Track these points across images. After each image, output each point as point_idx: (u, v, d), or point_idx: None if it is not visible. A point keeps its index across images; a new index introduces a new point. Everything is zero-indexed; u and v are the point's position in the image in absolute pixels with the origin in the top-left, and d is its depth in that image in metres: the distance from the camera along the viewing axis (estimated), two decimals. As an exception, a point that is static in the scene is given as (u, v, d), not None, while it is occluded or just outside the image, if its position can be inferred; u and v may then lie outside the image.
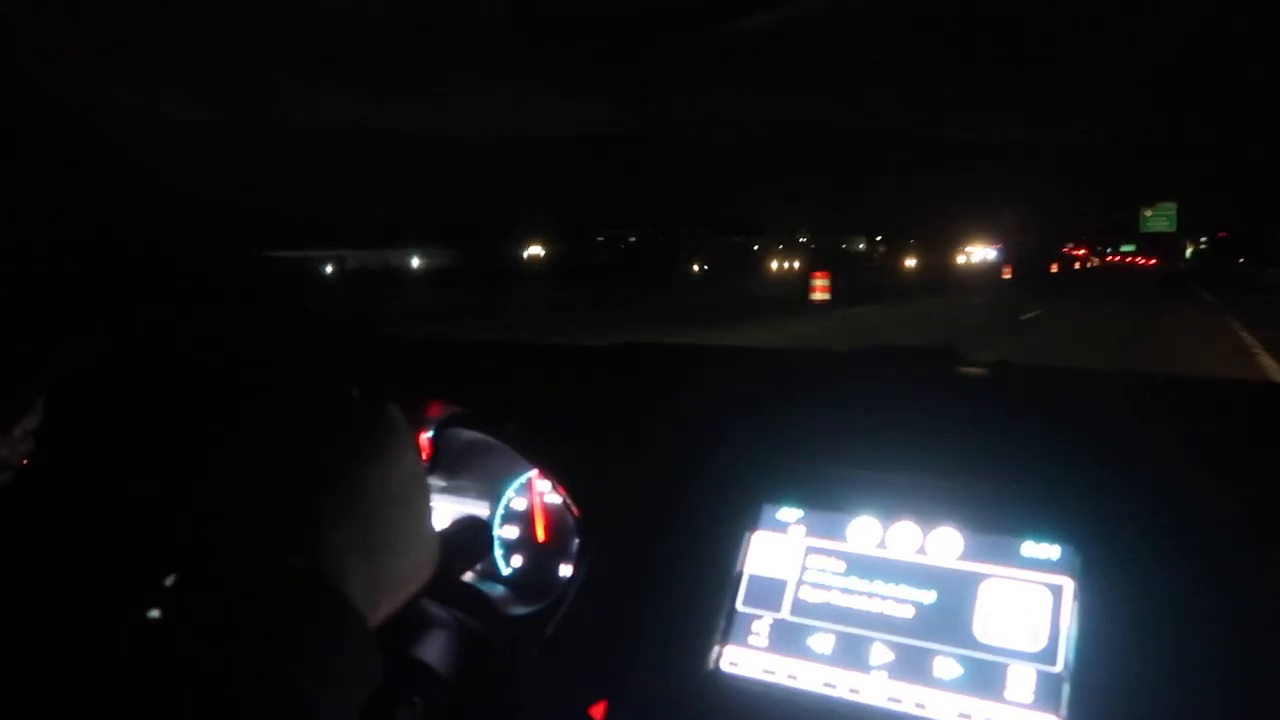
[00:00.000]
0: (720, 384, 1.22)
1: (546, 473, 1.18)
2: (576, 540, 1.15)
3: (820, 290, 22.31)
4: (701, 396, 1.19)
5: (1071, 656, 0.85)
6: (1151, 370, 1.21)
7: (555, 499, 1.21)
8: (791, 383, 1.23)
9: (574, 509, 1.13)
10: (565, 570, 1.19)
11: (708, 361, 1.42)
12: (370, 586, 0.67)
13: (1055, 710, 0.83)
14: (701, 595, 1.00)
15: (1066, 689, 0.83)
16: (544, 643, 1.04)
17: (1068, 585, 0.88)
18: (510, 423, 1.20)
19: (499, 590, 1.21)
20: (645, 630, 1.00)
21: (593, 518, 1.11)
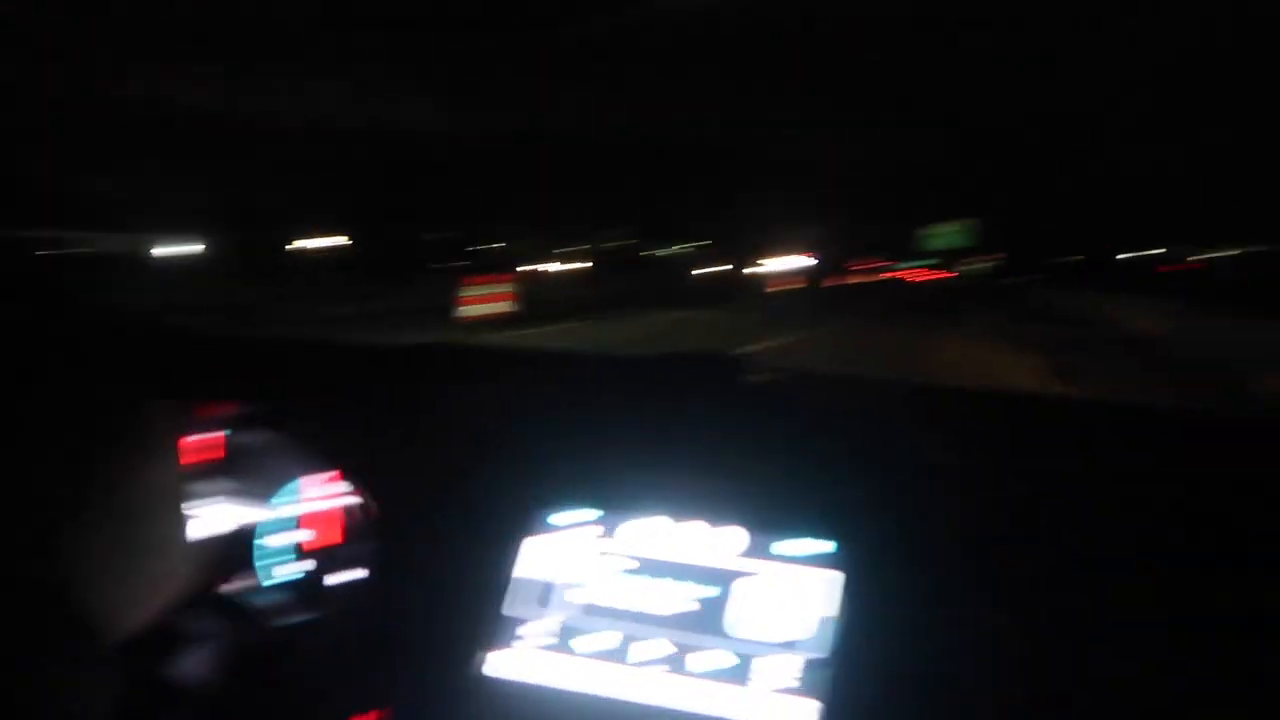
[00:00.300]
0: (507, 386, 1.23)
1: (340, 473, 1.15)
2: (360, 545, 1.13)
3: (480, 301, 13.48)
4: (489, 398, 1.19)
5: (834, 646, 0.88)
6: (920, 379, 1.31)
7: (340, 502, 1.18)
8: (578, 386, 1.25)
9: (371, 510, 1.10)
10: (347, 576, 1.16)
11: (497, 364, 1.43)
12: (116, 596, 0.64)
13: (819, 696, 0.86)
14: (475, 599, 0.99)
15: (829, 676, 0.87)
16: (313, 653, 1.01)
17: (836, 579, 0.92)
18: (296, 421, 1.16)
19: (272, 598, 1.16)
20: (418, 637, 0.98)
21: (389, 521, 1.09)
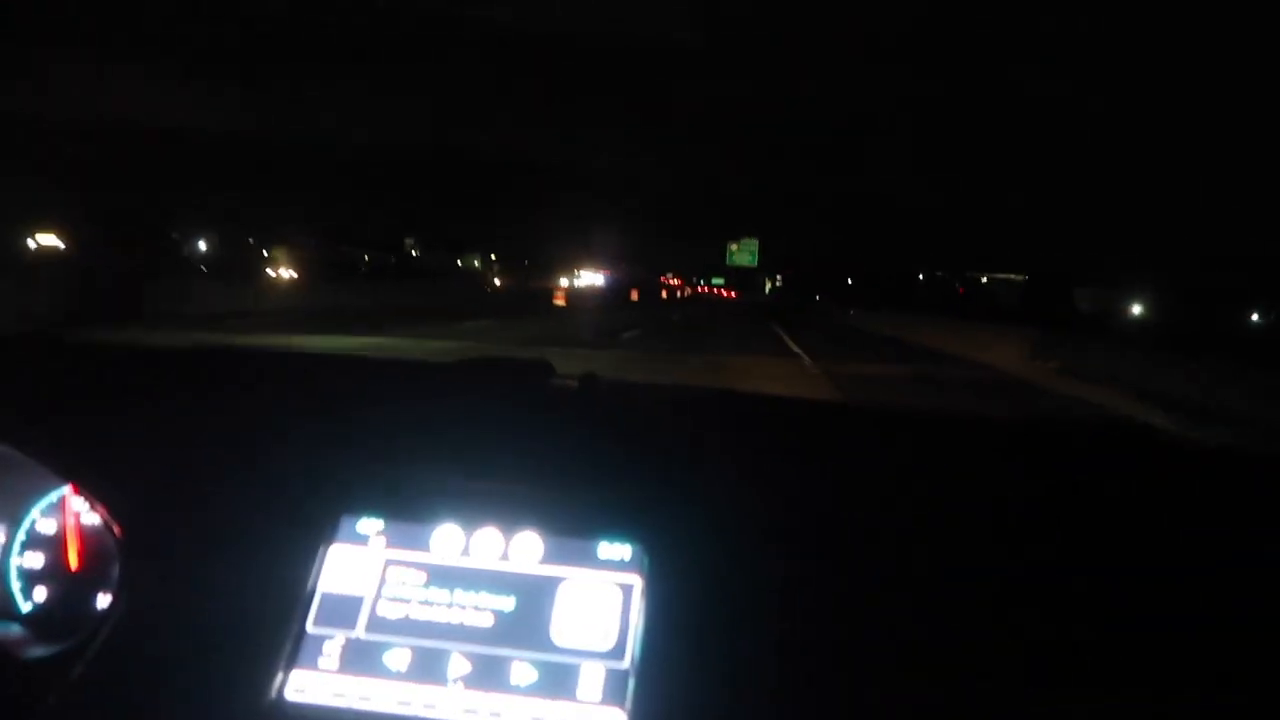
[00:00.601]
0: (297, 391, 1.14)
1: (82, 489, 1.01)
2: (117, 566, 0.99)
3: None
4: (273, 403, 1.09)
5: (637, 652, 0.89)
6: (724, 388, 1.32)
7: (93, 519, 1.04)
8: (376, 391, 1.17)
9: (115, 529, 0.97)
10: (104, 601, 1.02)
11: (284, 367, 1.32)
12: None
13: (621, 704, 0.86)
14: (266, 618, 0.91)
15: (632, 683, 0.87)
16: (68, 687, 0.88)
17: (637, 584, 0.93)
18: (34, 431, 1.01)
19: (14, 630, 1.01)
20: (197, 663, 0.88)
21: (138, 539, 0.97)
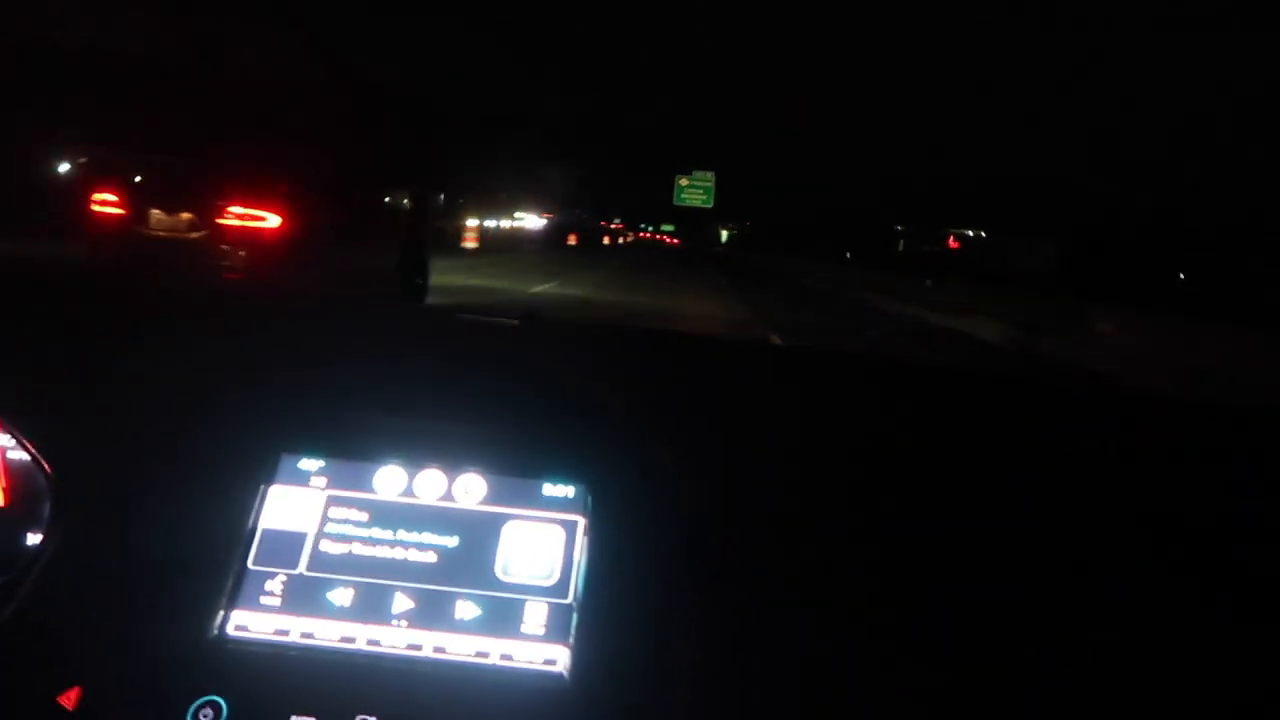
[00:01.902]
0: (236, 327, 1.11)
1: (7, 425, 0.98)
2: (48, 504, 0.97)
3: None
4: (211, 340, 1.07)
5: (580, 588, 0.90)
6: (669, 330, 1.33)
7: (19, 455, 1.01)
8: (317, 329, 1.16)
9: (45, 466, 0.95)
10: (34, 540, 1.00)
11: (222, 304, 1.28)
12: None
13: (564, 640, 0.88)
14: (206, 557, 0.90)
15: (575, 618, 0.89)
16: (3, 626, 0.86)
17: (580, 522, 0.94)
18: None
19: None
20: (134, 602, 0.87)
21: (68, 477, 0.95)
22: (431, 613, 0.89)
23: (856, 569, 0.93)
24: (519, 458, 0.97)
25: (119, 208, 7.77)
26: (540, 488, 0.96)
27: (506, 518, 0.94)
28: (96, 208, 7.83)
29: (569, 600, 0.90)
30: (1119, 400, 1.26)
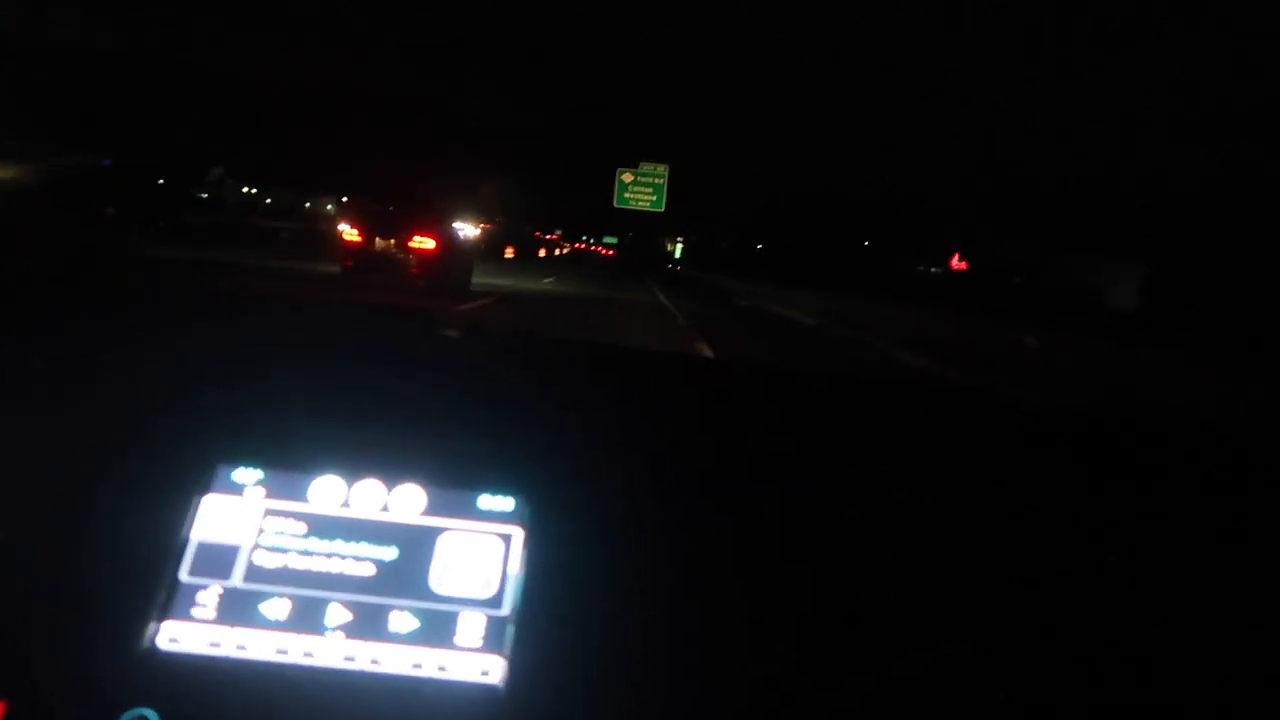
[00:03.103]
0: (171, 335, 1.10)
1: None
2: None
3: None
4: (145, 346, 1.06)
5: (517, 601, 0.91)
6: (610, 343, 1.35)
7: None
8: (256, 336, 1.15)
9: None
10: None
11: (158, 309, 1.27)
12: None
13: (500, 651, 0.89)
14: (137, 568, 0.89)
15: (510, 630, 0.90)
16: None
17: (517, 534, 0.95)
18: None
19: None
20: (62, 615, 0.86)
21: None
22: (367, 625, 0.90)
23: (797, 582, 0.95)
24: (457, 469, 0.98)
25: (358, 236, 14.47)
26: (478, 499, 0.97)
27: (444, 529, 0.95)
28: (345, 235, 14.59)
29: (505, 612, 0.91)
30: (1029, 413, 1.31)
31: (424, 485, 0.97)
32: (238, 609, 0.89)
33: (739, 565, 0.96)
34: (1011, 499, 1.04)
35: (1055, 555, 0.99)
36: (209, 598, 0.89)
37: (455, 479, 0.98)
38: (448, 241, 15.16)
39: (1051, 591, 0.96)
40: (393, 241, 14.38)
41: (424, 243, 14.39)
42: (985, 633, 0.90)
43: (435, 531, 0.95)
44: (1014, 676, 0.87)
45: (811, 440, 1.09)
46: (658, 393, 1.17)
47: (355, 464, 0.97)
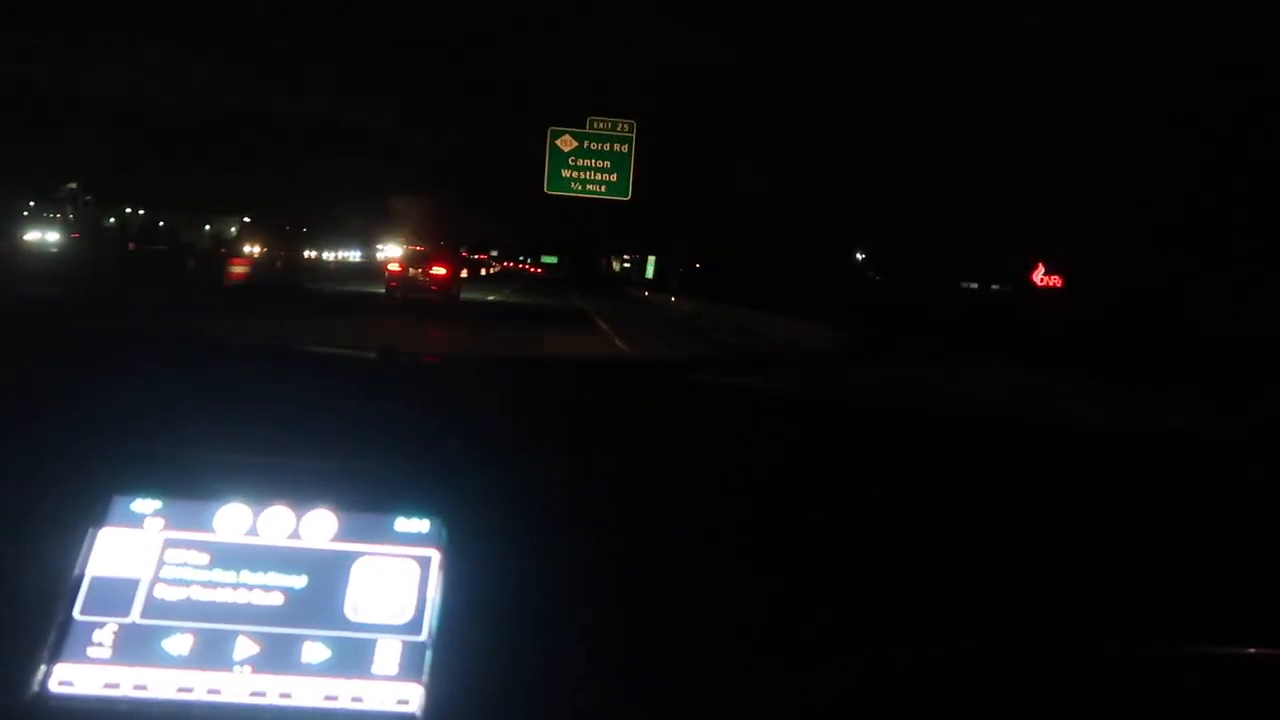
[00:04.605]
0: (65, 361, 1.05)
1: None
2: None
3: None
4: (36, 375, 1.01)
5: (435, 625, 0.89)
6: (525, 357, 1.33)
7: None
8: (156, 364, 1.11)
9: None
10: None
11: (52, 338, 1.21)
12: None
13: (418, 678, 0.86)
14: (26, 607, 0.84)
15: (429, 656, 0.87)
16: None
17: (435, 557, 0.92)
18: None
19: None
20: None
21: None
22: (277, 657, 0.86)
23: (720, 595, 0.94)
24: (371, 492, 0.95)
25: (400, 269, 21.58)
26: (393, 522, 0.94)
27: (358, 555, 0.92)
28: (390, 268, 22.25)
29: (423, 637, 0.88)
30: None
31: (335, 510, 0.94)
32: (137, 646, 0.85)
33: (660, 582, 0.94)
34: (909, 500, 1.05)
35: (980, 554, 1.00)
36: (105, 636, 0.85)
37: (368, 502, 0.95)
38: (451, 266, 22.61)
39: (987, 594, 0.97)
40: (418, 271, 21.58)
41: (438, 270, 21.58)
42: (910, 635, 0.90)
43: (349, 557, 0.92)
44: (957, 679, 0.88)
45: (730, 452, 1.09)
46: (574, 408, 1.16)
47: (262, 490, 0.93)
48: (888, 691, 0.87)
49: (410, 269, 21.55)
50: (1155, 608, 0.95)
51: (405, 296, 20.30)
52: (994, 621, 0.93)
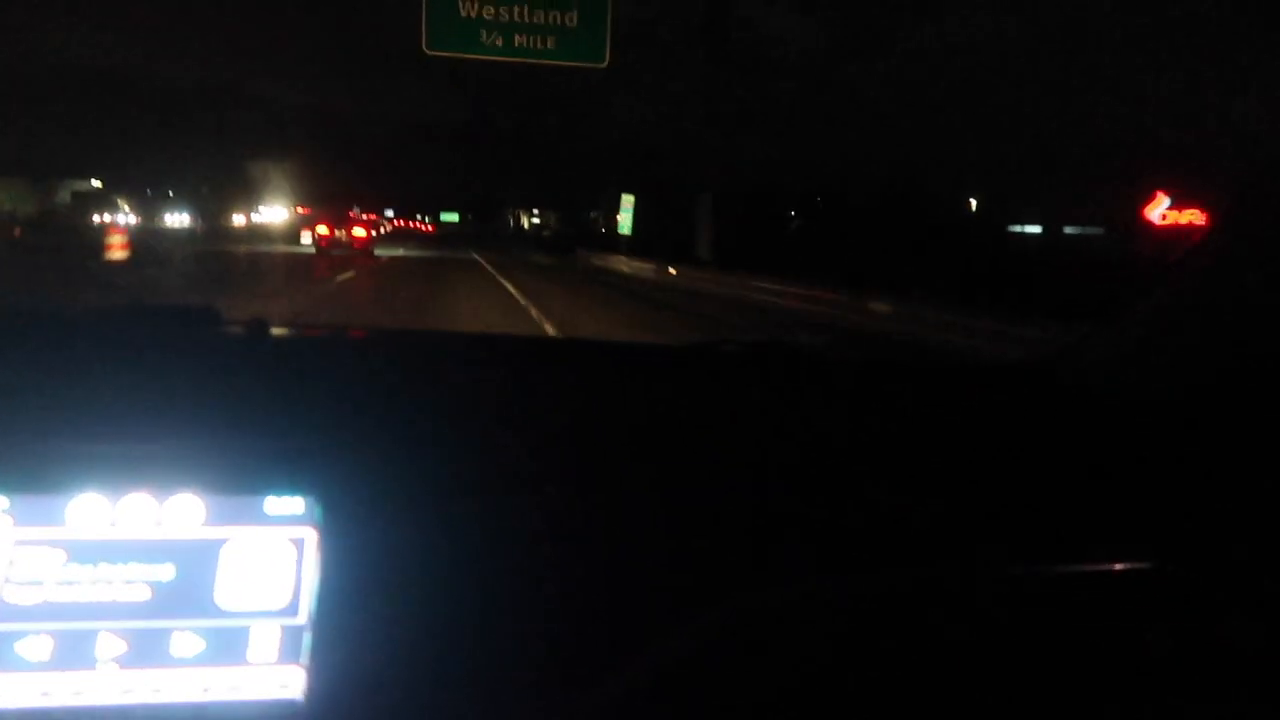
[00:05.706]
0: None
1: None
2: None
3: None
4: None
5: (313, 607, 0.86)
6: (412, 328, 1.29)
7: None
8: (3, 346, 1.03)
9: None
10: None
11: None
12: None
13: (298, 661, 0.84)
14: None
15: (307, 639, 0.84)
16: None
17: (310, 537, 0.89)
18: None
19: None
20: None
21: None
22: (145, 652, 0.82)
23: (611, 568, 0.92)
24: (238, 473, 0.91)
25: (329, 231, 29.97)
26: (264, 503, 0.90)
27: (227, 539, 0.88)
28: (319, 231, 30.24)
29: (301, 621, 0.86)
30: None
31: (201, 494, 0.89)
32: (-10, 654, 0.80)
33: (542, 558, 0.92)
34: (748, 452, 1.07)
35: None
36: (-47, 646, 0.79)
37: (237, 483, 0.90)
38: (369, 229, 30.65)
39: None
40: (342, 233, 29.84)
41: (359, 232, 30.00)
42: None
43: (218, 543, 0.88)
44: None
45: (622, 431, 1.08)
46: (455, 379, 1.13)
47: (118, 478, 0.88)
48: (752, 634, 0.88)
49: (336, 231, 29.67)
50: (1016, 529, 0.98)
51: (332, 252, 27.98)
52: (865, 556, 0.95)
